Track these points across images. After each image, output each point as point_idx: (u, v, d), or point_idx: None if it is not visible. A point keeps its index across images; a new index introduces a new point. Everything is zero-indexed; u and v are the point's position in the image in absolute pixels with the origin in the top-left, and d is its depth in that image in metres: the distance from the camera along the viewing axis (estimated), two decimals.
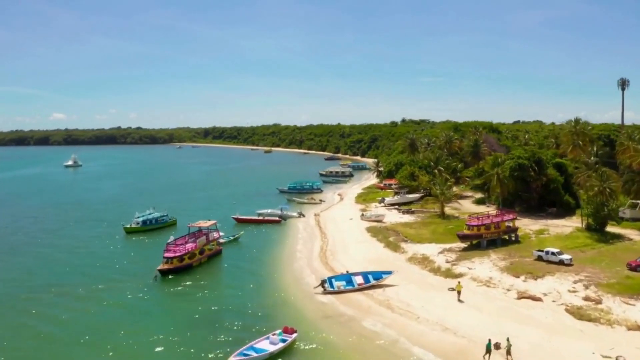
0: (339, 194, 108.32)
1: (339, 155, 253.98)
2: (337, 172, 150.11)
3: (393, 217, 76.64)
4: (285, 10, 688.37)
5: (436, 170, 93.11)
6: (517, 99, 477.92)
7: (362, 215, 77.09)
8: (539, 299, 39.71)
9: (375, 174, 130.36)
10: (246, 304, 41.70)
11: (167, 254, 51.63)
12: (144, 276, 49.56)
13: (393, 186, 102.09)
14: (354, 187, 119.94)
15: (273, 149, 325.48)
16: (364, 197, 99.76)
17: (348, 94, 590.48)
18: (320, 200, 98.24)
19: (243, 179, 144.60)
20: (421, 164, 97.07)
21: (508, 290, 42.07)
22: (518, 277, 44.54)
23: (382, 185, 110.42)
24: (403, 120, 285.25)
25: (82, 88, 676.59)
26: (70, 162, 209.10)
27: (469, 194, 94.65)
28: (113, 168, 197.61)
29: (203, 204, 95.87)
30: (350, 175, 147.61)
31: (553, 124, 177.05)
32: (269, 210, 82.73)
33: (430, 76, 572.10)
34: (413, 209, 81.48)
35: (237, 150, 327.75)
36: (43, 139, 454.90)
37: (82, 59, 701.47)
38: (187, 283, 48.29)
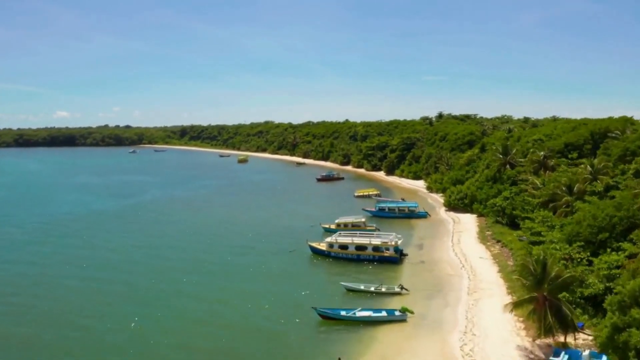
0: None
1: (348, 168, 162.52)
2: (361, 248, 56.44)
3: None
4: (287, 8, 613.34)
5: None
6: (519, 97, 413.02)
7: None
8: None
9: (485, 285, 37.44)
10: None
11: None
12: None
13: None
14: None
15: (254, 154, 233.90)
16: None
17: (350, 92, 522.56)
18: None
19: (114, 277, 52.97)
20: None
21: None
22: None
23: None
24: (440, 116, 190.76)
25: (85, 86, 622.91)
26: None
27: None
28: None
29: None
30: (398, 258, 55.70)
31: None
32: None
33: (433, 75, 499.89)
34: None
35: (206, 157, 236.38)
36: None
37: (84, 57, 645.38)
38: None
